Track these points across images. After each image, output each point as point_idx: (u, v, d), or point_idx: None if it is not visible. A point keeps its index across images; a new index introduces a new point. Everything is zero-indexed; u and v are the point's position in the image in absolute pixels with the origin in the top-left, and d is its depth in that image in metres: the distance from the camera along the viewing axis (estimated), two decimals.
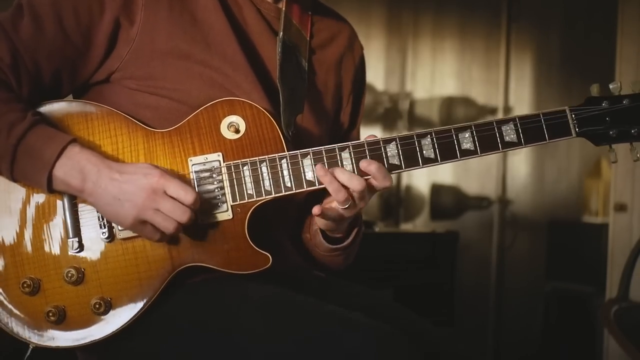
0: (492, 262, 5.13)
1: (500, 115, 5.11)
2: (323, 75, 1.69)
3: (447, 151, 1.48)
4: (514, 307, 5.16)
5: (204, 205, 1.44)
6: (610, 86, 1.52)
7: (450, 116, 4.97)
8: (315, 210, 1.46)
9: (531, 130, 1.49)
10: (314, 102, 1.65)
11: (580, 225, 4.92)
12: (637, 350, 3.27)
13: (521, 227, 5.16)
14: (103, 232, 1.43)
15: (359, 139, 1.76)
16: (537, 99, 5.23)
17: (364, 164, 1.46)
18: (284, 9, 1.63)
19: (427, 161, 1.48)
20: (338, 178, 1.45)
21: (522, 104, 5.18)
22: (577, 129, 1.50)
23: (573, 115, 1.51)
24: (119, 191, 1.37)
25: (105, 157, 1.41)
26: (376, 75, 4.70)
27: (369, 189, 1.47)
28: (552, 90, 5.24)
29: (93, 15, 1.47)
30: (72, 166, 1.38)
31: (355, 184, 1.45)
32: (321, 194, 1.51)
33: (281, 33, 1.59)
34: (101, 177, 1.38)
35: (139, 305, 1.43)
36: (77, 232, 1.44)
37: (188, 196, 1.38)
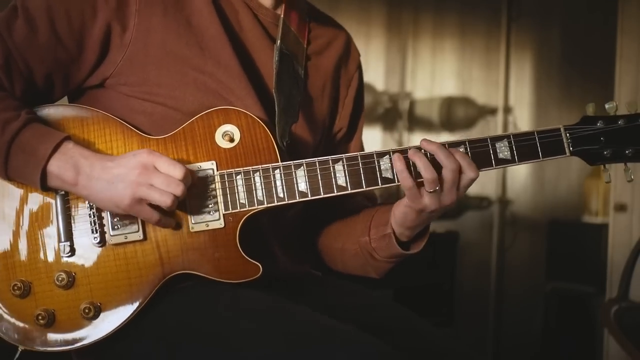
0: (492, 262, 5.13)
1: (500, 115, 5.11)
2: (319, 82, 1.67)
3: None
4: (514, 307, 5.16)
5: (196, 213, 1.44)
6: (606, 106, 1.51)
7: (450, 116, 4.97)
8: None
9: (525, 148, 1.48)
10: (309, 110, 1.64)
11: (580, 225, 4.92)
12: (637, 350, 3.27)
13: (521, 227, 5.16)
14: (95, 237, 1.43)
15: (360, 150, 1.75)
16: (537, 99, 5.23)
17: (452, 150, 1.45)
18: (282, 15, 1.61)
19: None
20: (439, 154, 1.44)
21: (522, 104, 5.18)
22: (571, 148, 1.49)
23: (568, 134, 1.49)
24: (111, 176, 1.38)
25: (98, 153, 1.42)
26: (376, 75, 4.69)
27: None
28: (552, 90, 5.24)
29: (85, 20, 1.46)
30: (65, 161, 1.38)
31: (450, 163, 1.43)
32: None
33: (279, 41, 1.58)
34: (94, 169, 1.38)
35: (129, 311, 1.43)
36: (69, 237, 1.43)
37: (177, 171, 1.38)
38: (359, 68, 1.77)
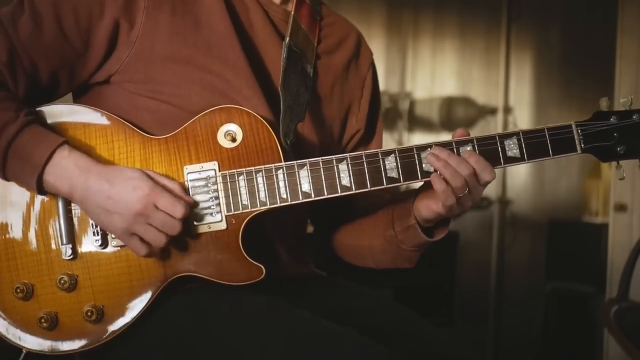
0: (492, 262, 5.13)
1: (500, 115, 5.11)
2: (329, 81, 1.65)
3: None
4: (513, 307, 5.16)
5: (198, 215, 1.43)
6: (621, 100, 1.47)
7: (450, 116, 4.97)
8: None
9: (535, 146, 1.45)
10: (317, 110, 1.62)
11: (580, 225, 4.92)
12: (637, 350, 3.26)
13: (521, 227, 5.15)
14: (96, 240, 1.42)
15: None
16: (537, 99, 5.23)
17: (466, 154, 1.43)
18: (292, 12, 1.60)
19: (427, 175, 1.44)
20: (450, 162, 1.41)
21: (522, 104, 5.18)
22: (582, 145, 1.45)
23: (579, 131, 1.45)
24: (107, 204, 1.36)
25: (95, 160, 1.40)
26: None
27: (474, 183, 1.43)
28: (552, 90, 5.24)
29: (92, 17, 1.45)
30: (60, 173, 1.37)
31: (463, 169, 1.41)
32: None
33: (287, 38, 1.56)
34: (89, 187, 1.37)
35: (132, 313, 1.42)
36: (71, 239, 1.42)
37: (177, 212, 1.36)
38: (372, 67, 1.75)
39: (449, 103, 4.97)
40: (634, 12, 4.14)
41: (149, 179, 1.38)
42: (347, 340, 1.31)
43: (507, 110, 5.13)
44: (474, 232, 5.02)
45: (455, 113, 4.99)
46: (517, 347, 5.12)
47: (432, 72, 4.93)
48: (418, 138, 4.85)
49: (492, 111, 5.09)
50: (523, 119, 5.16)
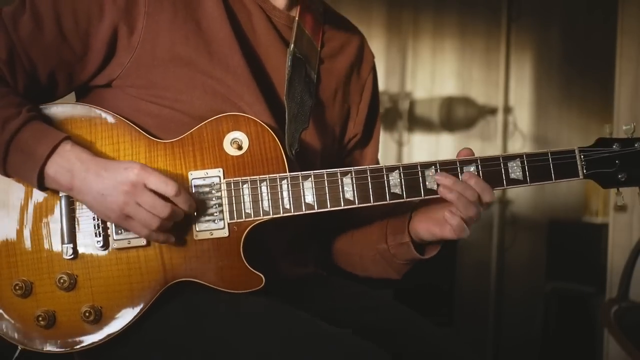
0: (492, 262, 5.13)
1: (500, 115, 5.11)
2: (331, 86, 1.65)
3: None
4: (514, 307, 5.16)
5: (201, 221, 1.43)
6: (624, 127, 1.48)
7: (450, 116, 4.97)
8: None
9: (537, 169, 1.46)
10: (320, 115, 1.62)
11: (580, 225, 4.92)
12: (637, 350, 3.26)
13: (521, 227, 5.16)
14: (98, 241, 1.42)
15: (376, 157, 1.74)
16: (537, 99, 5.23)
17: (465, 177, 1.45)
18: (297, 18, 1.58)
19: (430, 192, 1.45)
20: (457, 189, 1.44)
21: (522, 104, 5.18)
22: (585, 171, 1.47)
23: (582, 156, 1.47)
24: (102, 186, 1.36)
25: (96, 155, 1.40)
26: None
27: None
28: (552, 90, 5.24)
29: (92, 20, 1.45)
30: (62, 165, 1.37)
31: (469, 195, 1.45)
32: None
33: (292, 45, 1.55)
34: (88, 174, 1.37)
35: (130, 316, 1.42)
36: (73, 239, 1.43)
37: (169, 188, 1.36)
38: (373, 70, 1.74)
39: (449, 103, 4.97)
40: (634, 12, 4.14)
41: (142, 164, 1.38)
42: (345, 341, 1.31)
43: (507, 110, 5.13)
44: (473, 232, 4.95)
45: (455, 113, 4.99)
46: (517, 347, 5.12)
47: (432, 72, 4.93)
48: (418, 138, 4.85)
49: (492, 111, 5.09)
50: (523, 119, 5.16)
